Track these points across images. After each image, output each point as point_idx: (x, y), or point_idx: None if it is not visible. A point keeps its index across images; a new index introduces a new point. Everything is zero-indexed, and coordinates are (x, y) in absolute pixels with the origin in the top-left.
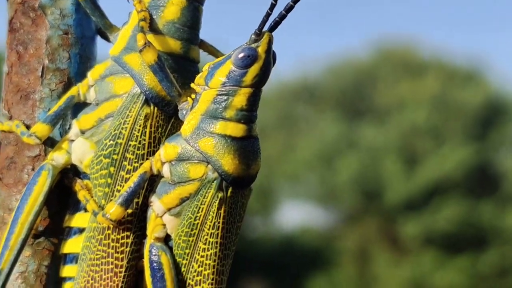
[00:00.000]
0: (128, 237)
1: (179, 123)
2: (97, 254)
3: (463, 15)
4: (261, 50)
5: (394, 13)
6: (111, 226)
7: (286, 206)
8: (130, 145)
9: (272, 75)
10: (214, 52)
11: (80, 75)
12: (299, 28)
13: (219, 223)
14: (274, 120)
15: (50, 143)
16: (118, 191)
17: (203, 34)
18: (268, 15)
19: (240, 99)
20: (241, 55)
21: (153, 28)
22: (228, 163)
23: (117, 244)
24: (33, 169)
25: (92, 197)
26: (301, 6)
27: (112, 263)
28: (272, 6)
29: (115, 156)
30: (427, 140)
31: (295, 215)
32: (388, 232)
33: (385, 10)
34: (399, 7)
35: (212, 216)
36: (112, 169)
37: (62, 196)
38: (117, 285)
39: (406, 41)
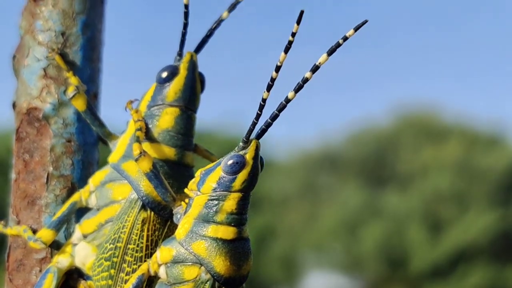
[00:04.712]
0: None
1: (175, 225)
2: None
3: (484, 79)
4: (248, 156)
5: (414, 80)
6: None
7: (311, 276)
8: (129, 248)
9: (294, 145)
10: (208, 156)
11: (83, 180)
12: (320, 98)
13: None
14: (297, 190)
15: (55, 246)
16: None
17: (220, 109)
18: (254, 124)
19: (230, 203)
20: (230, 162)
21: (149, 136)
22: (220, 264)
23: None
24: (40, 271)
25: None
26: (321, 76)
27: None
28: (258, 116)
29: (115, 259)
30: (451, 207)
31: (320, 284)
32: None
33: (405, 77)
34: (418, 74)
35: None
36: (112, 271)
37: None
38: None
39: (427, 107)
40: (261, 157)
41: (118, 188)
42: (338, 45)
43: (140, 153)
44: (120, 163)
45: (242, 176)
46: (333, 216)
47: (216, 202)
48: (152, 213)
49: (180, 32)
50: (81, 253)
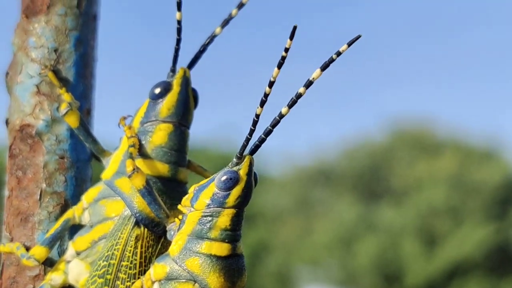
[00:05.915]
0: None
1: (169, 242)
2: None
3: (477, 93)
4: (242, 172)
5: (408, 94)
6: None
7: None
8: (122, 265)
9: (288, 160)
10: (201, 172)
11: (76, 197)
12: (313, 113)
13: None
14: (291, 205)
15: (49, 263)
16: None
17: (214, 124)
18: (248, 139)
19: (224, 219)
20: (223, 178)
21: (142, 152)
22: (214, 281)
23: None
24: None
25: None
26: (314, 91)
27: None
28: (251, 132)
29: (108, 276)
30: (445, 221)
31: None
32: None
33: (399, 91)
34: (412, 88)
35: None
36: None
37: None
38: None
39: (421, 121)
40: (255, 173)
41: (112, 205)
42: (331, 60)
43: (133, 169)
44: (113, 180)
45: (236, 192)
46: (327, 231)
47: (209, 218)
48: (146, 229)
49: (173, 48)
50: (75, 270)
